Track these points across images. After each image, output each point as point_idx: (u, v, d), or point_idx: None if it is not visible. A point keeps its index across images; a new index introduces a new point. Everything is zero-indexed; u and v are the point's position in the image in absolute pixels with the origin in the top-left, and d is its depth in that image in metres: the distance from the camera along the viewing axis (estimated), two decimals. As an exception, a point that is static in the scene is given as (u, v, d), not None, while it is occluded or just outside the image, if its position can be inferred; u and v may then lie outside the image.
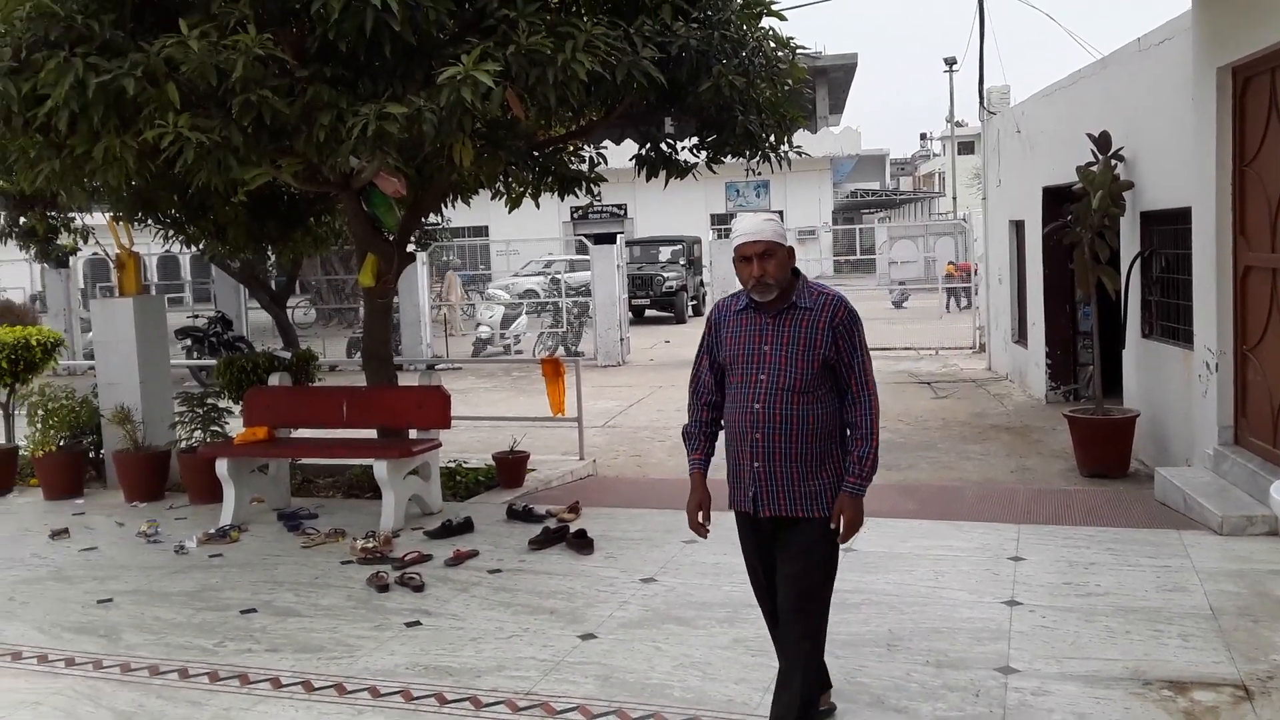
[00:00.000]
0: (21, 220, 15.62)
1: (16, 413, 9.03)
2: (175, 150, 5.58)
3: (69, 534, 7.17)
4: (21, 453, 8.81)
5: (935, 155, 73.15)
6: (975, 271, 17.13)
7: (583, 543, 6.26)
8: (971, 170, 39.77)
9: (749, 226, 3.56)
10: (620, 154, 9.61)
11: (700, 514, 3.83)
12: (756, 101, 7.15)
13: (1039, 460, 8.77)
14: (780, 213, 42.49)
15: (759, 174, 7.99)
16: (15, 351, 8.71)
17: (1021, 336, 12.58)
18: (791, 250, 3.59)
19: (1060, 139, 10.33)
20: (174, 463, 8.22)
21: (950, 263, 27.26)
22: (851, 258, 36.64)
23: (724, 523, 6.66)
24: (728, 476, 3.74)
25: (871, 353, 3.73)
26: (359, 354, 16.55)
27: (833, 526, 3.63)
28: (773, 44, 7.38)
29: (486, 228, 34.76)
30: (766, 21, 7.37)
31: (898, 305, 25.34)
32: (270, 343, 16.09)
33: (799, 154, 7.86)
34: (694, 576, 5.70)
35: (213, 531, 6.91)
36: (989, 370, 14.30)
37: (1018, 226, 12.59)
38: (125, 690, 4.52)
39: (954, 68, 43.10)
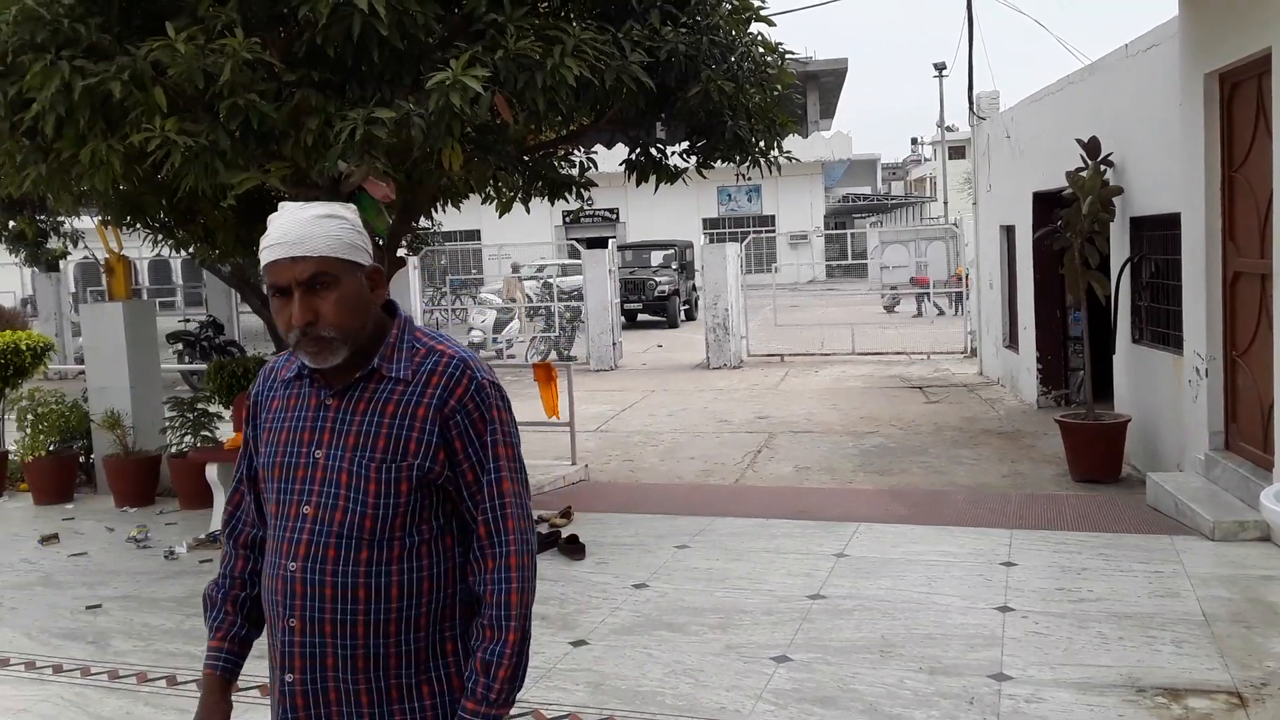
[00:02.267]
0: (10, 224, 15.59)
1: (6, 417, 8.99)
2: (162, 154, 5.55)
3: (59, 539, 7.13)
4: (11, 457, 8.76)
5: (926, 160, 73.29)
6: (964, 277, 17.17)
7: (574, 548, 6.24)
8: (962, 175, 39.91)
9: (285, 230, 1.94)
10: (611, 158, 9.61)
11: None
12: (746, 106, 7.15)
13: (1030, 465, 8.77)
14: (772, 216, 42.62)
15: (749, 179, 8.00)
16: (5, 356, 8.67)
17: (1013, 341, 12.60)
18: (376, 273, 2.02)
19: (1050, 144, 10.35)
20: (164, 468, 8.18)
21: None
22: (843, 262, 36.70)
23: (717, 528, 6.71)
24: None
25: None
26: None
27: None
28: (761, 49, 7.38)
29: (479, 232, 34.78)
30: (755, 27, 7.37)
31: (889, 310, 25.44)
32: (262, 347, 16.04)
33: (789, 159, 7.86)
34: (686, 582, 5.69)
35: (203, 537, 6.87)
36: (980, 375, 14.32)
37: (1008, 231, 12.62)
38: (112, 697, 4.49)
39: (944, 73, 43.31)
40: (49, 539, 7.12)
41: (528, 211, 8.79)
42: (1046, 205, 10.12)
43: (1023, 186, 11.41)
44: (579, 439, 9.33)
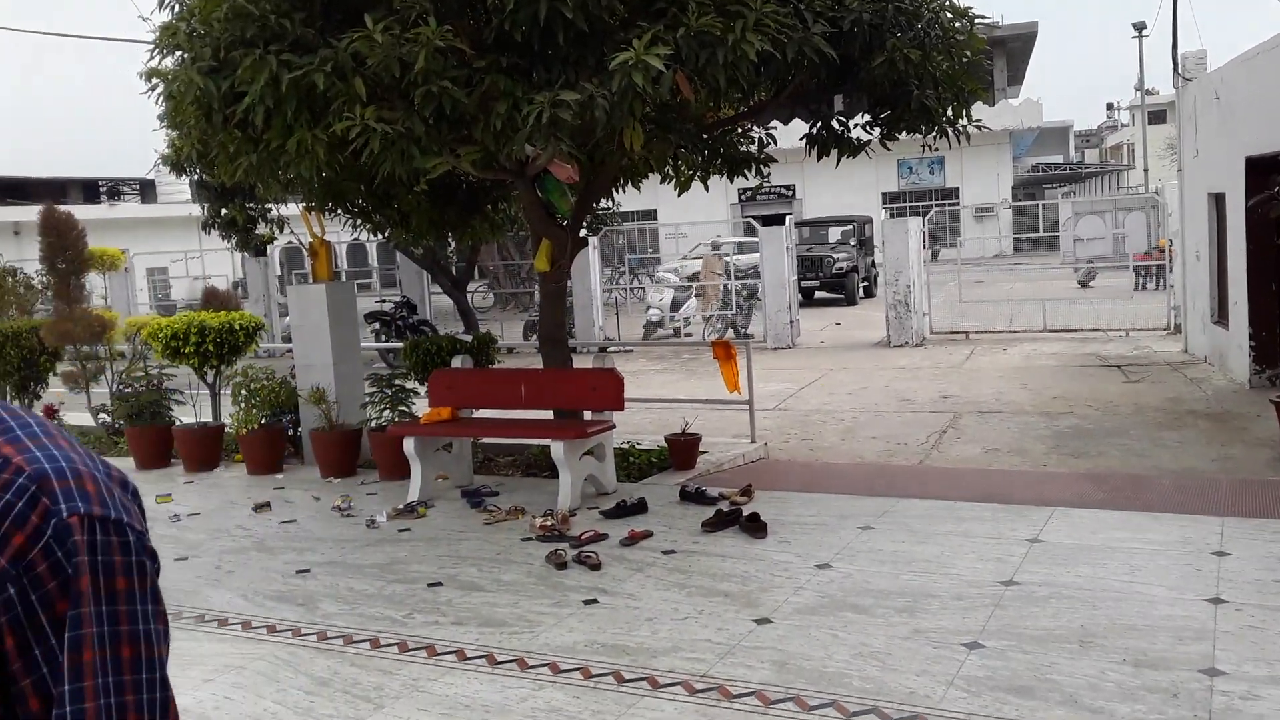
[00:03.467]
0: (223, 211, 16.66)
1: (222, 393, 9.65)
2: (362, 142, 5.83)
3: (270, 507, 7.61)
4: (227, 430, 9.39)
5: (1124, 125, 69.27)
6: (1167, 249, 16.15)
7: (756, 526, 6.23)
8: (1164, 141, 37.53)
9: None
10: (789, 134, 9.49)
11: None
12: (933, 75, 6.93)
13: (1243, 449, 8.20)
14: (956, 189, 41.24)
15: (935, 149, 7.75)
16: (221, 335, 9.29)
17: (1222, 317, 11.78)
18: None
19: (1264, 105, 9.59)
20: (365, 440, 8.61)
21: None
22: (1033, 235, 35.15)
23: (901, 509, 6.56)
24: None
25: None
26: (535, 337, 17.00)
27: None
28: (949, 14, 7.12)
29: (655, 211, 35.02)
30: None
31: (1084, 284, 24.19)
32: (452, 326, 16.67)
33: (978, 128, 7.58)
34: (871, 564, 5.59)
35: (401, 507, 7.20)
36: (1185, 353, 13.46)
37: (1217, 200, 11.78)
38: (322, 657, 4.76)
39: (1143, 33, 40.67)
40: (261, 507, 7.61)
41: (706, 189, 8.79)
42: (1261, 171, 9.39)
43: (1234, 151, 10.63)
44: (757, 417, 9.29)
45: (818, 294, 24.50)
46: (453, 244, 14.39)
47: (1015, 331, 16.31)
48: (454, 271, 16.61)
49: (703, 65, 5.84)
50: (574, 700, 4.16)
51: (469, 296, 16.90)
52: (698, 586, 5.39)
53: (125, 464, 9.43)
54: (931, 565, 5.53)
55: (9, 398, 11.22)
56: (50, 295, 11.95)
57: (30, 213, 28.68)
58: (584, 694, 4.23)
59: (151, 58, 7.09)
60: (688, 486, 7.26)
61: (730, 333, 17.91)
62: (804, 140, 7.73)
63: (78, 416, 11.26)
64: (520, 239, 23.53)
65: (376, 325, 17.54)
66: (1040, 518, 6.27)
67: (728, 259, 20.97)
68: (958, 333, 16.77)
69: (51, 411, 11.24)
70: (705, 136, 7.91)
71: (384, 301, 19.33)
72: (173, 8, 6.87)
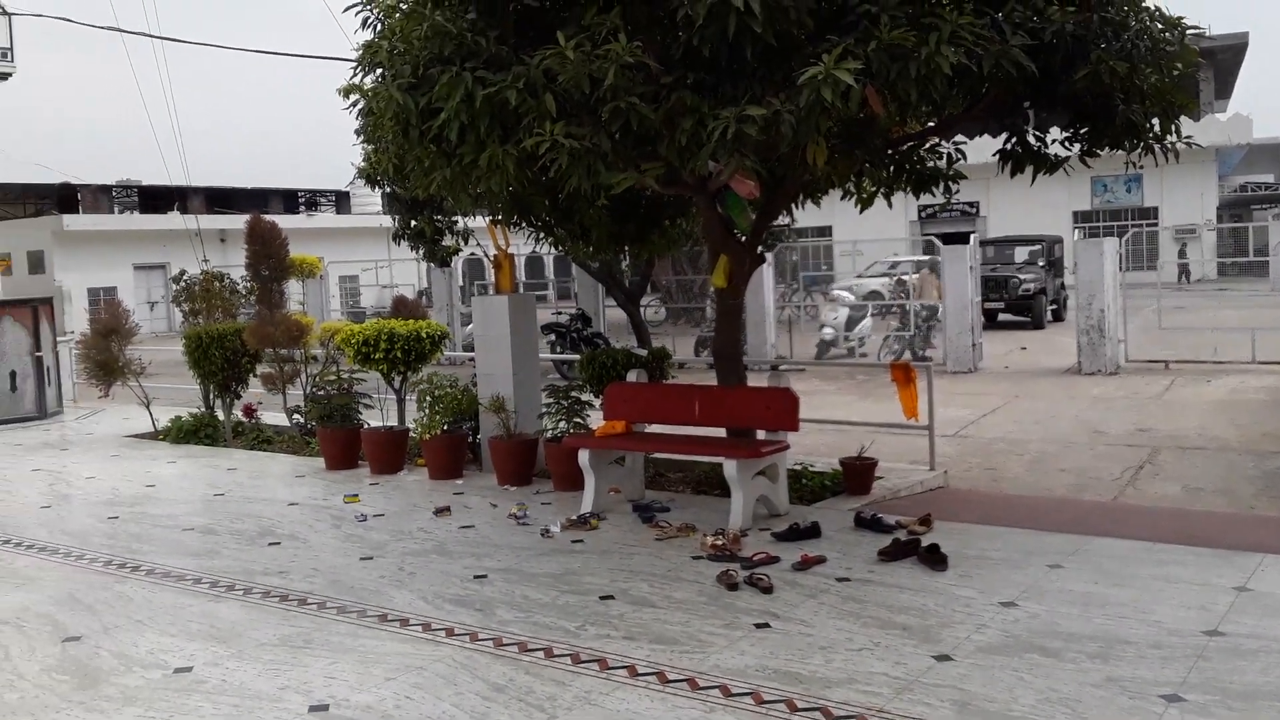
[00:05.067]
0: (412, 223, 17.37)
1: (407, 398, 10.01)
2: (550, 157, 5.93)
3: (450, 512, 7.82)
4: (410, 435, 9.72)
5: (1346, 142, 64.12)
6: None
7: (936, 558, 5.99)
8: (1393, 158, 34.54)
9: None
10: (975, 149, 9.15)
11: None
12: (1140, 88, 6.56)
13: None
14: (1154, 208, 39.18)
15: (1140, 167, 7.33)
16: (408, 343, 9.64)
17: None
18: None
19: None
20: (541, 450, 8.75)
21: None
22: (1240, 260, 32.95)
23: (1093, 548, 6.19)
24: None
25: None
26: (706, 352, 17.00)
27: None
28: (1159, 25, 6.73)
29: (830, 228, 34.55)
30: (1151, 0, 6.73)
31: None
32: (625, 339, 16.85)
33: (1188, 144, 7.12)
34: (1060, 604, 5.29)
35: (574, 518, 7.28)
36: None
37: None
38: (498, 664, 4.83)
39: (1372, 42, 37.62)
40: (442, 511, 7.83)
41: (890, 206, 8.57)
42: None
43: None
44: (937, 444, 8.98)
45: (1001, 316, 23.63)
46: (628, 258, 14.55)
47: (1220, 362, 15.26)
48: (628, 285, 16.81)
49: (893, 79, 5.68)
50: (745, 726, 4.08)
51: (642, 310, 17.07)
52: (873, 617, 5.22)
53: (315, 463, 9.90)
54: (1127, 610, 5.19)
55: (212, 397, 11.97)
56: (253, 300, 12.70)
57: (235, 221, 30.68)
58: (754, 719, 4.14)
59: (354, 75, 7.44)
60: (863, 513, 7.07)
61: (908, 354, 17.45)
62: (996, 156, 7.44)
63: (274, 416, 11.91)
64: (694, 254, 23.63)
65: (552, 337, 17.90)
66: (1249, 564, 5.81)
67: (908, 278, 20.44)
68: (1156, 362, 15.83)
69: (250, 411, 11.94)
70: (891, 152, 7.73)
71: (559, 313, 19.73)
72: (375, 27, 7.18)
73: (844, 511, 7.29)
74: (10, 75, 21.54)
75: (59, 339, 15.23)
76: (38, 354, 14.17)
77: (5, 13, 21.05)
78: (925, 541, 6.24)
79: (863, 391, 14.33)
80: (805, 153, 5.99)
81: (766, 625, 5.15)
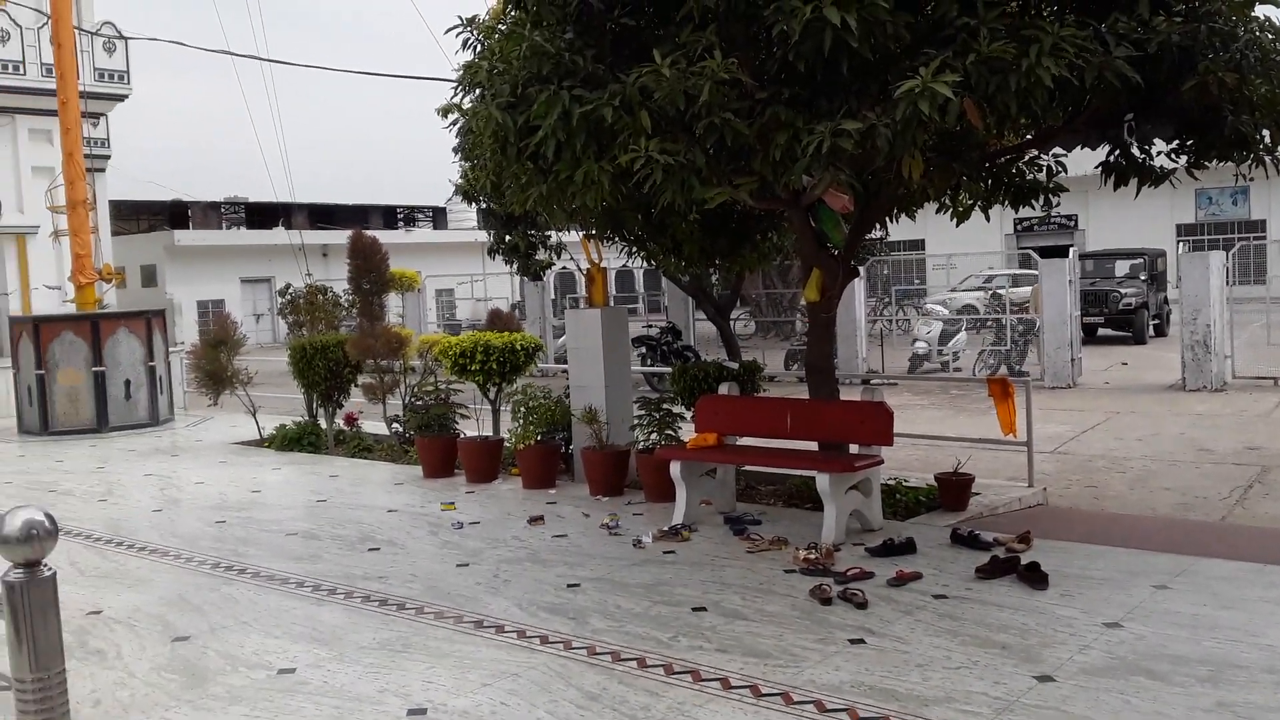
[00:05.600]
0: (506, 238, 17.66)
1: (502, 409, 10.18)
2: (645, 173, 6.00)
3: (543, 520, 7.92)
4: (505, 445, 9.88)
5: None
6: None
7: (1035, 576, 5.88)
8: None
9: None
10: (1074, 162, 8.97)
11: None
12: (1250, 99, 6.37)
13: None
14: (1262, 221, 37.85)
15: (1250, 179, 7.12)
16: (503, 355, 9.82)
17: None
18: None
19: None
20: (632, 461, 8.82)
21: None
22: (1355, 272, 31.53)
23: (1201, 569, 6.01)
24: None
25: None
26: (797, 366, 16.92)
27: None
28: (1270, 35, 6.53)
29: (922, 241, 34.10)
30: (1260, 9, 6.54)
31: None
32: (715, 353, 16.87)
33: (1301, 156, 6.89)
34: (1167, 627, 5.15)
35: (666, 529, 7.32)
36: None
37: None
38: (591, 672, 4.89)
39: None
40: (535, 520, 7.94)
41: (987, 219, 8.46)
42: None
43: None
44: (1035, 460, 8.80)
45: (1100, 331, 23.04)
46: (718, 272, 14.56)
47: (1335, 379, 14.68)
48: (718, 299, 16.83)
49: (992, 92, 5.62)
50: (840, 741, 4.07)
51: (732, 324, 17.07)
52: (971, 635, 5.15)
53: (414, 471, 10.12)
54: (1238, 633, 5.03)
55: (315, 406, 12.32)
56: (355, 312, 13.05)
57: (337, 236, 31.46)
58: (850, 736, 4.12)
59: (454, 94, 7.63)
60: (960, 529, 6.97)
61: (1003, 369, 17.13)
62: (1099, 169, 7.30)
63: (374, 425, 12.21)
64: (784, 268, 23.56)
65: (643, 349, 18.00)
66: (1370, 590, 5.58)
67: (1002, 291, 20.07)
68: (1264, 378, 15.28)
69: (352, 419, 12.26)
70: (988, 164, 7.63)
71: (650, 326, 19.84)
72: (475, 48, 7.35)
73: (940, 528, 7.19)
74: (127, 97, 22.48)
75: (170, 349, 15.87)
76: (150, 364, 14.78)
77: (122, 36, 22.00)
78: (1024, 559, 6.13)
79: (957, 406, 14.10)
80: (901, 166, 5.96)
81: (861, 641, 5.12)
